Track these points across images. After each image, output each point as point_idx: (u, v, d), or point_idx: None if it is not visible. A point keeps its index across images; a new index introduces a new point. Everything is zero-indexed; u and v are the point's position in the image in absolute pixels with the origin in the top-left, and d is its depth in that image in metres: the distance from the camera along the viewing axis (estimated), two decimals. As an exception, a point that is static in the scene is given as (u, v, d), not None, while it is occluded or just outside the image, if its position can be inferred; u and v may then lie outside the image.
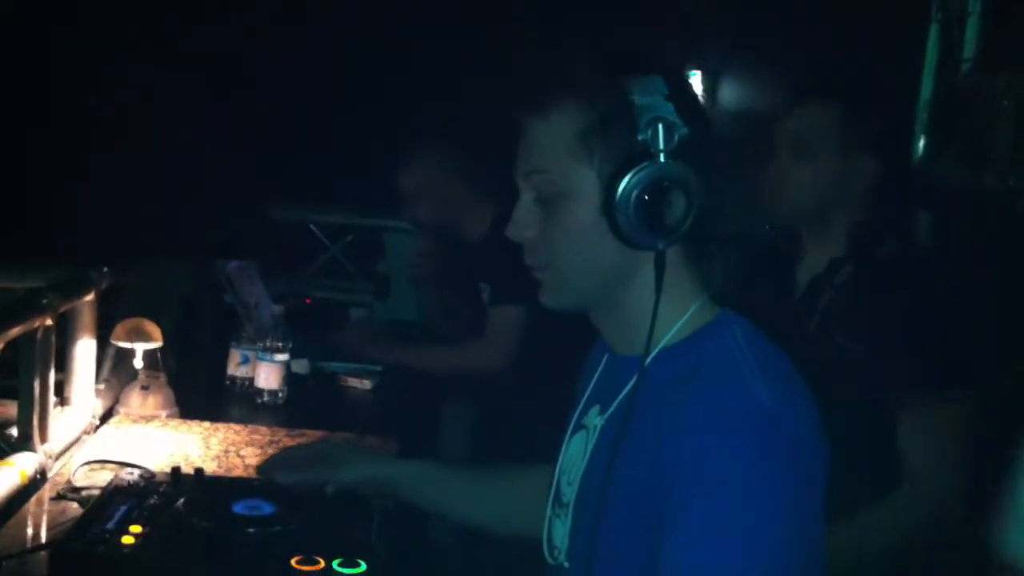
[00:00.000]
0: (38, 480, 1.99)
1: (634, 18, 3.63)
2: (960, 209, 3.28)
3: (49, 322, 2.01)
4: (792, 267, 1.92)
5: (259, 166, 3.63)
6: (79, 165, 3.30)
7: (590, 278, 1.14)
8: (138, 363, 2.41)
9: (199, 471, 1.85)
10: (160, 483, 1.79)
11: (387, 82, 3.58)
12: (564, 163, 1.10)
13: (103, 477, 1.98)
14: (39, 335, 1.99)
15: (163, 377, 2.47)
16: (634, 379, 1.10)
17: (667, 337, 1.12)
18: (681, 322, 1.12)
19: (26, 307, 1.95)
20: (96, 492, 1.89)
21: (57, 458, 2.09)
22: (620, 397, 1.14)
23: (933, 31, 3.64)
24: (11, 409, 2.10)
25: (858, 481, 1.58)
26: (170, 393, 2.47)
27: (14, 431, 2.03)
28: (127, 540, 1.55)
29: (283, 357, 2.68)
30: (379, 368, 3.01)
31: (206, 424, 2.38)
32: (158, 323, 2.45)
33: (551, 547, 1.23)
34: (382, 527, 1.66)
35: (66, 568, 1.52)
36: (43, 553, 1.64)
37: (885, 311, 1.74)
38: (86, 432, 2.26)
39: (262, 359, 2.67)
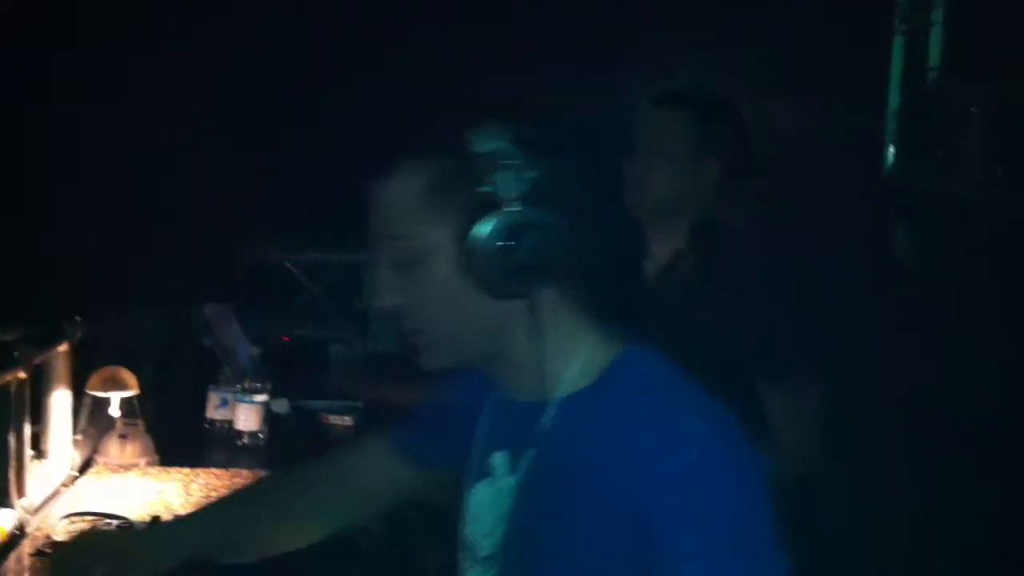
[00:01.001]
0: (17, 536, 1.96)
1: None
2: (930, 216, 3.33)
3: (23, 375, 1.99)
4: (640, 260, 2.12)
5: (233, 207, 3.62)
6: (46, 215, 3.29)
7: (466, 336, 1.09)
8: (114, 412, 2.39)
9: (155, 518, 1.83)
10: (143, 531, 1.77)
11: (357, 123, 3.60)
12: (415, 225, 1.05)
13: (83, 529, 1.96)
14: (13, 388, 1.97)
15: (141, 425, 2.44)
16: (549, 424, 1.07)
17: (571, 379, 1.08)
18: (582, 362, 1.08)
19: (-2, 360, 1.93)
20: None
21: (36, 512, 2.06)
22: (538, 445, 1.09)
23: (898, 42, 3.67)
24: (-13, 465, 2.08)
25: None
26: (149, 441, 2.45)
27: (-10, 488, 2.01)
28: None
29: (262, 398, 2.66)
30: (360, 404, 2.99)
31: (186, 470, 2.36)
32: (135, 370, 2.43)
33: None
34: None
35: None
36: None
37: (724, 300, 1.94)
38: (65, 484, 2.24)
39: (241, 401, 2.65)
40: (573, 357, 1.08)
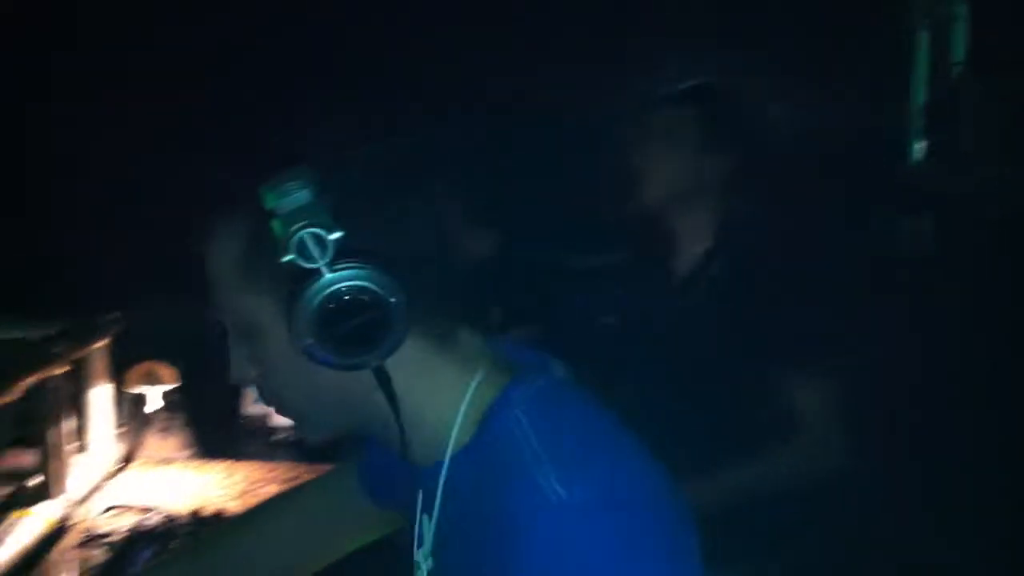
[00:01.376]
0: (60, 528, 2.00)
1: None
2: (954, 212, 3.33)
3: (63, 370, 2.03)
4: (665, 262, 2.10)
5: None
6: (73, 211, 3.32)
7: (325, 410, 1.00)
8: (153, 406, 2.42)
9: (219, 513, 1.87)
10: (182, 525, 1.81)
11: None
12: (239, 297, 0.96)
13: (126, 521, 1.99)
14: (54, 384, 2.01)
15: (180, 419, 2.48)
16: (439, 491, 0.97)
17: (453, 437, 0.97)
18: (463, 416, 0.97)
19: (39, 356, 1.96)
20: (119, 537, 1.90)
21: (79, 505, 2.10)
22: (434, 513, 1.00)
23: (922, 37, 3.68)
24: (30, 459, 2.12)
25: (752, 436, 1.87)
26: (188, 434, 2.48)
27: (34, 481, 2.05)
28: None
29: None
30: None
31: (225, 464, 2.39)
32: (172, 364, 2.46)
33: None
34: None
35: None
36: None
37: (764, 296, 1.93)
38: (106, 478, 2.27)
39: (277, 395, 2.66)
40: (451, 412, 0.97)
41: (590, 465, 0.91)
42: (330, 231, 0.88)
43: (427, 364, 0.97)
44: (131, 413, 2.51)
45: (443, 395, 0.98)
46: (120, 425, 2.45)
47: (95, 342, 2.20)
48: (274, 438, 2.67)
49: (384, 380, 0.94)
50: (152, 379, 2.38)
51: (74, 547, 1.92)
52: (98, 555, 1.88)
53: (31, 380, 1.90)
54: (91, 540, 1.93)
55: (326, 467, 2.33)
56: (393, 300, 0.89)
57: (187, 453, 2.46)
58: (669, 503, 0.94)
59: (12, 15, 3.29)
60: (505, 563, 0.86)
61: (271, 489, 2.22)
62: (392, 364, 0.93)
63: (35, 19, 3.42)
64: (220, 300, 0.99)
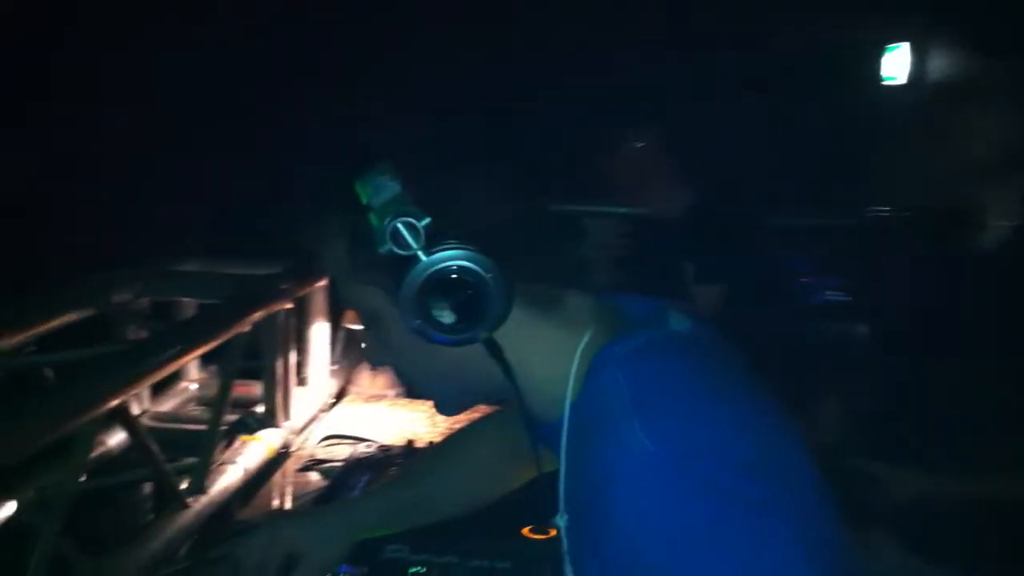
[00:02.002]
0: (282, 454, 2.13)
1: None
2: None
3: (288, 306, 2.16)
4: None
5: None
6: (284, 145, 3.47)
7: (452, 384, 1.04)
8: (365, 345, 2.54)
9: (431, 444, 1.95)
10: (396, 456, 1.90)
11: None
12: (354, 288, 1.01)
13: (342, 451, 2.10)
14: (279, 319, 2.14)
15: (389, 358, 2.59)
16: (563, 445, 1.00)
17: (567, 398, 0.99)
18: (572, 377, 0.99)
19: (267, 292, 2.09)
20: (336, 465, 2.01)
21: (298, 434, 2.24)
22: (561, 476, 1.02)
23: None
24: (255, 389, 2.26)
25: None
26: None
27: (259, 409, 2.19)
28: None
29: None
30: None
31: (430, 403, 2.48)
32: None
33: None
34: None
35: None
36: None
37: None
38: (323, 410, 2.41)
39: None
40: (563, 373, 0.99)
41: (681, 418, 0.91)
42: (420, 218, 0.92)
43: (535, 330, 1.00)
44: (344, 352, 2.65)
45: (553, 358, 1.00)
46: (335, 362, 2.58)
47: (317, 281, 2.32)
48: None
49: (495, 351, 0.97)
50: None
51: (295, 472, 2.05)
52: (317, 480, 2.00)
53: (259, 314, 2.03)
54: (310, 466, 2.06)
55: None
56: (489, 275, 0.92)
57: (396, 391, 2.57)
58: (784, 465, 0.92)
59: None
60: (601, 517, 0.89)
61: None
62: (501, 334, 0.96)
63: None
64: (341, 293, 1.05)
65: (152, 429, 1.74)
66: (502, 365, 0.97)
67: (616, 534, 0.88)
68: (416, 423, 2.33)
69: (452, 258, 0.92)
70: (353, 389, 2.56)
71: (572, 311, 1.01)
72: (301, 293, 2.24)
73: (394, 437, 2.17)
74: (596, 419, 0.94)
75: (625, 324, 1.02)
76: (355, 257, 0.98)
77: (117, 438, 2.09)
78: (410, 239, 0.92)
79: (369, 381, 2.55)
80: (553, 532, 1.61)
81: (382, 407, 2.46)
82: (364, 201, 0.94)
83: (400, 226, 0.92)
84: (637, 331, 1.00)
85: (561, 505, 1.03)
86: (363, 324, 1.05)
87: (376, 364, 1.07)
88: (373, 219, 0.93)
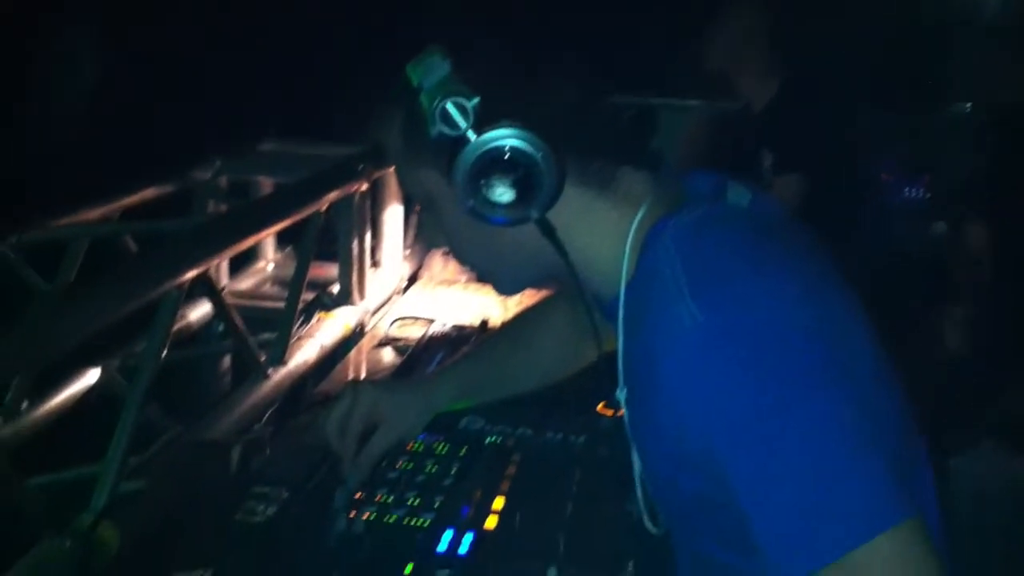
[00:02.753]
0: (357, 332, 2.17)
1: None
2: None
3: (364, 188, 2.16)
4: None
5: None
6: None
7: (509, 264, 1.05)
8: (441, 228, 2.55)
9: (500, 327, 1.96)
10: (470, 335, 1.91)
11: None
12: (410, 172, 1.03)
13: (415, 331, 2.13)
14: (355, 200, 2.15)
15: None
16: (620, 323, 1.00)
17: (623, 273, 0.99)
18: (627, 252, 0.99)
19: (343, 173, 2.10)
20: (410, 343, 2.04)
21: (373, 314, 2.27)
22: (619, 352, 1.03)
23: None
24: (332, 270, 2.29)
25: None
26: (468, 259, 2.61)
27: (335, 289, 2.22)
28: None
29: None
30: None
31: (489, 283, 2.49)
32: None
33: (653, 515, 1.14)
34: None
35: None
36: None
37: None
38: (396, 292, 2.44)
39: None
40: (619, 249, 0.99)
41: (734, 289, 0.89)
42: (469, 98, 0.92)
43: (589, 208, 1.00)
44: (417, 236, 2.67)
45: (608, 235, 1.00)
46: (408, 246, 2.60)
47: (391, 164, 2.32)
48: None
49: (547, 230, 0.97)
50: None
51: (370, 349, 2.08)
52: (391, 358, 2.03)
53: (335, 195, 2.04)
54: (384, 345, 2.09)
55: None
56: (540, 154, 0.92)
57: (467, 276, 2.58)
58: (841, 335, 0.89)
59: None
60: (653, 387, 0.90)
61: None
62: (555, 213, 0.96)
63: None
64: (399, 177, 1.07)
65: (232, 305, 1.77)
66: (555, 245, 0.98)
67: (666, 404, 0.90)
68: (489, 306, 2.34)
69: (503, 137, 0.92)
70: (426, 273, 2.58)
71: (628, 187, 1.01)
72: (377, 175, 2.25)
73: (467, 319, 2.19)
74: (650, 293, 0.94)
75: (683, 199, 1.01)
76: (410, 140, 0.99)
77: (198, 312, 2.14)
78: (459, 119, 0.92)
79: (442, 265, 2.56)
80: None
81: (455, 291, 2.47)
82: (415, 84, 0.95)
83: (449, 106, 0.92)
84: (694, 205, 0.99)
85: (621, 379, 1.04)
86: (420, 207, 1.07)
87: (434, 246, 1.09)
88: (424, 100, 0.94)
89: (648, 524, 1.11)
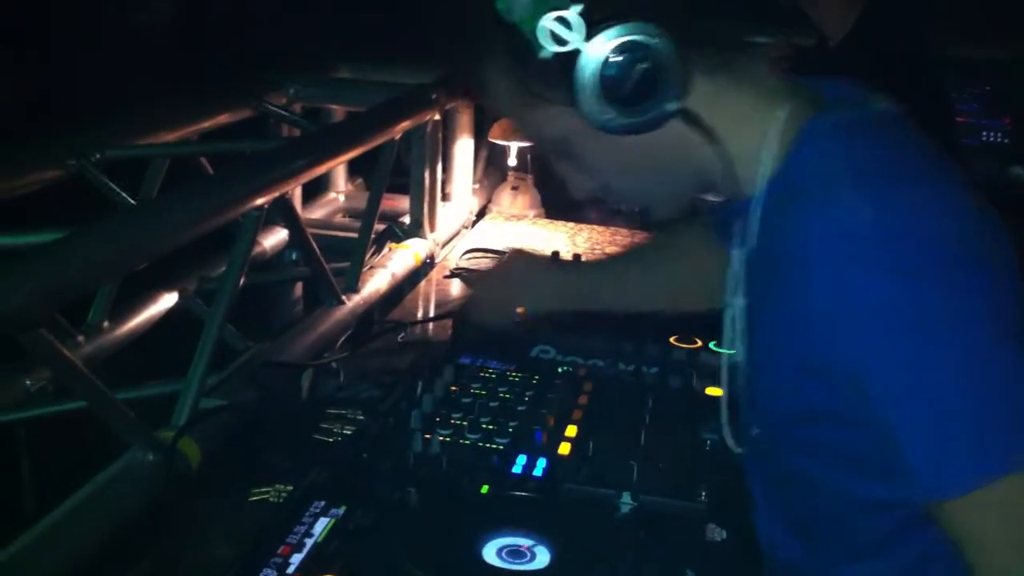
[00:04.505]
0: (428, 264, 2.17)
1: None
2: None
3: (436, 118, 2.16)
4: None
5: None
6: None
7: (654, 180, 1.01)
8: (512, 161, 2.55)
9: (577, 256, 1.96)
10: (543, 265, 1.91)
11: None
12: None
13: (485, 263, 2.13)
14: (428, 129, 2.14)
15: (530, 179, 2.59)
16: (753, 221, 0.97)
17: (763, 169, 0.96)
18: (770, 148, 0.95)
19: (416, 101, 2.09)
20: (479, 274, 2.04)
21: (443, 246, 2.27)
22: (748, 246, 1.00)
23: None
24: (402, 203, 2.30)
25: None
26: (536, 195, 2.60)
27: (406, 220, 2.23)
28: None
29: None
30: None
31: (570, 224, 2.49)
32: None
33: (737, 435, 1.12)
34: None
35: (469, 332, 1.67)
36: (445, 321, 1.81)
37: None
38: (465, 226, 2.44)
39: (620, 166, 2.73)
40: (759, 144, 0.96)
41: (892, 192, 0.86)
42: (568, 6, 0.87)
43: (724, 100, 0.96)
44: (487, 169, 2.66)
45: (748, 129, 0.96)
46: (477, 180, 2.60)
47: (465, 94, 2.31)
48: (615, 207, 2.75)
49: (691, 119, 0.93)
50: (513, 134, 2.48)
51: (439, 281, 2.09)
52: (460, 290, 2.03)
53: (406, 124, 2.03)
54: (453, 276, 2.09)
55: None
56: (657, 41, 0.87)
57: (535, 212, 2.58)
58: (995, 254, 0.87)
59: None
60: (797, 288, 0.87)
61: (613, 250, 2.30)
62: (690, 106, 0.92)
63: None
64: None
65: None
66: (702, 131, 0.94)
67: (814, 305, 0.86)
68: (556, 242, 2.34)
69: (615, 36, 0.87)
70: (494, 208, 2.58)
71: (765, 83, 0.97)
72: (449, 105, 2.23)
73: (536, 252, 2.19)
74: (802, 190, 0.90)
75: (827, 103, 0.96)
76: (520, 80, 0.93)
77: (272, 241, 2.16)
78: (565, 33, 0.87)
79: (510, 200, 2.56)
80: (699, 343, 1.62)
81: (523, 225, 2.47)
82: (504, 14, 0.89)
83: (552, 22, 0.87)
84: (845, 107, 0.95)
85: (740, 284, 1.02)
86: (553, 154, 1.02)
87: (581, 192, 1.04)
88: (527, 24, 0.88)
89: (731, 443, 1.09)
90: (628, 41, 0.87)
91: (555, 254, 1.93)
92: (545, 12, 0.87)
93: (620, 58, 0.87)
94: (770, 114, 0.96)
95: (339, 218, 2.48)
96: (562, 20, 0.87)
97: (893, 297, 0.83)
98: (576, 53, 0.87)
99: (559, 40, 0.87)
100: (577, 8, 0.87)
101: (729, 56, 0.97)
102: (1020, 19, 4.07)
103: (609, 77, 0.88)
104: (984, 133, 3.68)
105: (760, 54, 1.00)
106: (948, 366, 0.82)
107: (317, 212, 2.43)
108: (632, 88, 0.88)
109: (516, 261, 1.56)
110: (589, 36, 0.87)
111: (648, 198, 1.08)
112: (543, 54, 0.88)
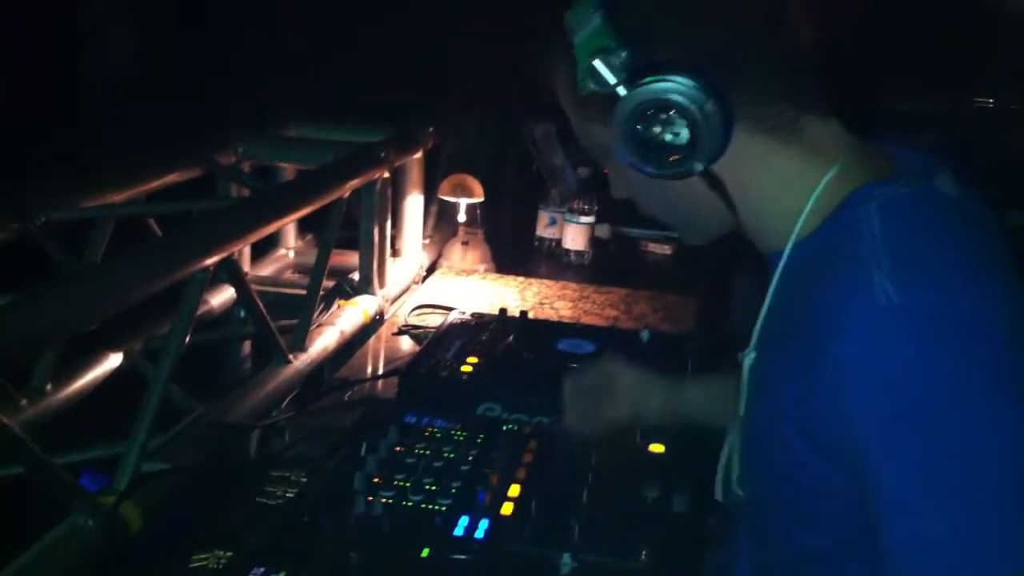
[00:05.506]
0: (377, 320, 2.18)
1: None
2: None
3: (385, 175, 2.17)
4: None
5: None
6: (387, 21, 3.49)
7: (687, 214, 1.03)
8: (461, 217, 2.57)
9: (523, 313, 1.97)
10: (489, 323, 1.93)
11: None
12: (582, 125, 1.02)
13: (433, 320, 2.15)
14: (377, 187, 2.16)
15: (480, 233, 2.61)
16: (775, 278, 0.97)
17: (798, 226, 0.95)
18: (809, 207, 0.94)
19: (366, 159, 2.11)
20: (430, 331, 2.05)
21: (392, 302, 2.28)
22: (764, 307, 1.00)
23: None
24: (352, 258, 2.30)
25: None
26: (487, 249, 2.62)
27: (355, 277, 2.23)
28: (465, 368, 1.70)
29: (589, 219, 2.76)
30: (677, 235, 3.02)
31: (520, 278, 2.51)
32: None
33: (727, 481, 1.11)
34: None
35: (414, 390, 1.68)
36: (392, 378, 1.82)
37: None
38: (415, 281, 2.45)
39: (569, 221, 2.76)
40: (799, 203, 0.95)
41: (937, 273, 0.84)
42: (617, 51, 0.88)
43: (768, 158, 0.95)
44: (437, 224, 2.68)
45: (789, 187, 0.95)
46: (427, 235, 2.61)
47: (414, 151, 2.34)
48: (565, 260, 2.78)
49: (714, 183, 0.95)
50: (463, 191, 2.51)
51: (388, 337, 2.10)
52: (409, 347, 2.04)
53: (357, 181, 2.05)
54: (402, 333, 2.10)
55: (611, 288, 2.43)
56: (697, 104, 0.87)
57: (485, 266, 2.60)
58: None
59: None
60: (820, 357, 0.84)
61: (562, 304, 2.32)
62: (729, 162, 0.92)
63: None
64: (576, 130, 1.04)
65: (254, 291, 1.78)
66: (722, 196, 0.96)
67: (830, 377, 0.83)
68: (507, 296, 2.36)
69: (657, 91, 0.88)
70: (444, 263, 2.60)
71: (815, 138, 0.95)
72: (399, 163, 2.25)
73: (486, 308, 2.20)
74: (832, 258, 0.89)
75: (886, 170, 0.95)
76: (577, 94, 0.94)
77: (220, 299, 2.16)
78: (608, 75, 0.88)
79: (460, 255, 2.58)
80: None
81: (473, 280, 2.49)
82: (571, 37, 0.91)
83: (597, 63, 0.88)
84: (903, 180, 0.92)
85: (754, 340, 1.01)
86: (598, 159, 1.05)
87: (617, 195, 1.08)
88: (578, 57, 0.90)
89: (736, 489, 1.07)
90: (668, 99, 0.88)
91: (502, 311, 1.95)
92: (596, 50, 0.89)
93: (655, 111, 0.89)
94: (816, 175, 0.94)
95: (289, 274, 2.48)
96: (607, 62, 0.89)
97: (916, 398, 0.80)
98: (616, 94, 0.89)
99: (600, 81, 0.89)
100: (625, 53, 0.88)
101: (784, 111, 0.94)
102: (962, 74, 4.17)
103: (640, 126, 0.90)
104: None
105: (824, 107, 0.97)
106: (955, 468, 0.78)
107: (266, 268, 2.43)
108: (659, 143, 0.90)
109: (619, 373, 1.47)
110: (633, 81, 0.88)
111: (677, 224, 1.08)
112: (582, 88, 0.90)
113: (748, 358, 1.03)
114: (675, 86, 0.87)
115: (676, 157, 0.90)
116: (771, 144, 0.95)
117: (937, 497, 0.79)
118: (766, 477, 1.00)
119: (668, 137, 0.89)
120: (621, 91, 0.88)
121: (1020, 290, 0.88)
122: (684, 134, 0.89)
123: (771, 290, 0.98)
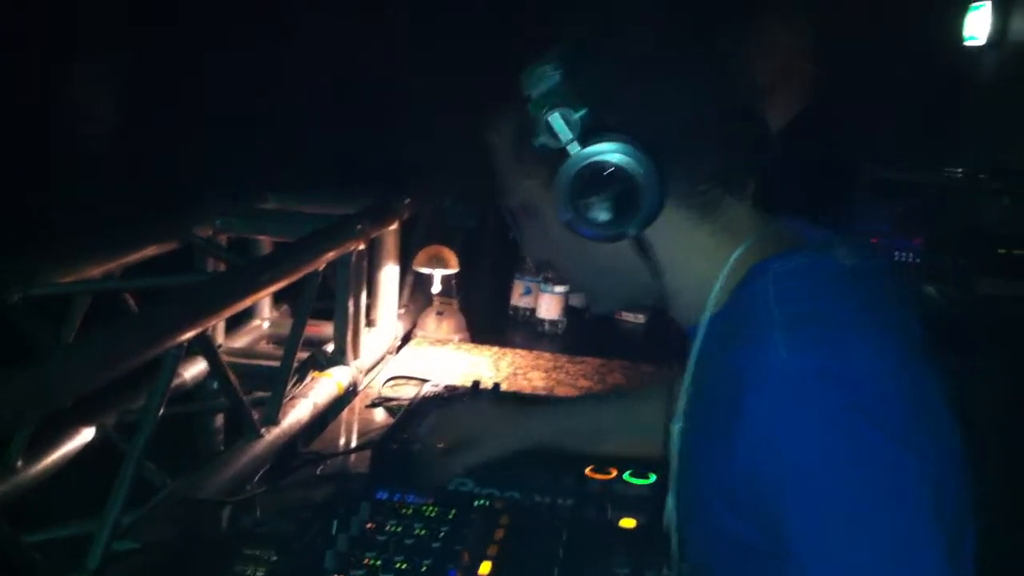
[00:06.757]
0: (350, 392, 2.19)
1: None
2: None
3: (362, 247, 2.20)
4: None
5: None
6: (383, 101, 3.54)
7: (605, 280, 1.07)
8: (436, 288, 2.59)
9: (496, 386, 1.99)
10: (462, 395, 1.94)
11: None
12: (516, 181, 1.04)
13: (408, 391, 2.15)
14: (353, 259, 2.18)
15: (455, 303, 2.63)
16: (694, 351, 1.01)
17: (709, 303, 1.00)
18: (720, 281, 0.99)
19: (341, 232, 2.13)
20: (403, 403, 2.06)
21: (366, 373, 2.29)
22: (686, 380, 1.04)
23: None
24: (327, 329, 2.32)
25: None
26: (461, 319, 2.64)
27: (330, 348, 2.25)
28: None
29: (563, 289, 2.79)
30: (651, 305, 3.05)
31: (494, 349, 2.53)
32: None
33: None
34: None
35: (386, 465, 1.68)
36: (364, 452, 1.82)
37: None
38: (390, 352, 2.46)
39: (544, 291, 2.79)
40: (712, 279, 0.99)
41: (827, 335, 0.88)
42: (576, 109, 0.92)
43: (688, 233, 1.00)
44: (412, 295, 2.70)
45: (704, 263, 1.00)
46: (402, 306, 2.63)
47: (390, 223, 2.36)
48: (539, 329, 2.80)
49: (642, 248, 0.99)
50: (438, 262, 2.54)
51: (362, 408, 2.11)
52: (383, 418, 2.05)
53: (332, 254, 2.07)
54: (377, 403, 2.11)
55: (585, 358, 2.44)
56: (642, 172, 0.91)
57: (460, 336, 2.62)
58: (926, 407, 0.87)
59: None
60: (730, 421, 0.89)
61: (536, 375, 2.34)
62: (653, 233, 0.97)
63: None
64: (503, 184, 1.07)
65: (227, 363, 1.79)
66: (649, 265, 0.99)
67: (742, 440, 0.87)
68: (481, 367, 2.37)
69: (605, 152, 0.92)
70: (419, 333, 2.61)
71: (730, 219, 1.00)
72: (375, 234, 2.28)
73: (459, 379, 2.21)
74: (736, 328, 0.94)
75: (789, 245, 1.00)
76: (516, 147, 1.00)
77: (193, 371, 2.16)
78: (563, 131, 0.92)
79: (435, 325, 2.60)
80: (614, 473, 1.65)
81: (447, 351, 2.50)
82: (526, 92, 0.95)
83: (553, 118, 0.92)
84: (800, 253, 0.97)
85: (679, 411, 1.05)
86: (520, 215, 1.08)
87: (532, 256, 1.11)
88: (532, 110, 0.94)
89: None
90: (615, 161, 0.92)
91: (475, 384, 1.96)
92: (553, 106, 0.92)
93: (601, 173, 0.92)
94: (729, 251, 0.99)
95: (263, 345, 2.49)
96: (565, 118, 0.92)
97: (810, 457, 0.84)
98: (566, 151, 0.93)
99: (554, 135, 0.93)
100: (582, 112, 0.92)
101: (708, 190, 0.99)
102: (931, 144, 4.26)
103: (585, 186, 0.93)
104: (896, 253, 3.83)
105: (747, 190, 1.02)
106: (856, 519, 0.82)
107: (241, 340, 2.44)
108: (598, 204, 0.93)
109: (477, 402, 1.55)
110: (584, 141, 0.92)
111: (592, 289, 1.12)
112: (536, 141, 0.94)
113: (675, 427, 1.07)
114: (624, 150, 0.92)
115: (614, 220, 0.94)
116: (692, 218, 1.00)
117: (834, 556, 0.83)
118: (697, 544, 1.03)
119: (609, 200, 0.93)
120: (573, 148, 0.92)
121: (916, 350, 0.92)
122: (624, 198, 0.93)
123: (691, 362, 1.02)
